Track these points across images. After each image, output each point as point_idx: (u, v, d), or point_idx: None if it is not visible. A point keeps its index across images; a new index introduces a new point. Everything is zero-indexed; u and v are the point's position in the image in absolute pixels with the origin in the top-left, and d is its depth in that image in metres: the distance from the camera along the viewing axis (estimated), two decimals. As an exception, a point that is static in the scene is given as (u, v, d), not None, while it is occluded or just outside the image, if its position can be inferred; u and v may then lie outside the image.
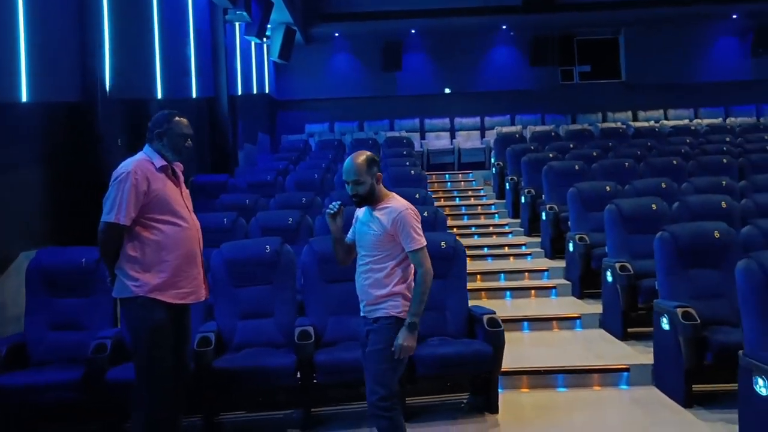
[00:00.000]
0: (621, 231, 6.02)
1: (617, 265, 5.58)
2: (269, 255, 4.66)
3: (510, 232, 9.12)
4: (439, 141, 14.82)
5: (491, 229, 9.36)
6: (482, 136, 15.01)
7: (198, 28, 8.67)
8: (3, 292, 4.51)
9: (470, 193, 11.58)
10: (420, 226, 3.30)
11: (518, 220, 9.32)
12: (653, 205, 6.05)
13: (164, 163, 3.47)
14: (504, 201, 10.32)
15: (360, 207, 3.43)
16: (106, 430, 4.13)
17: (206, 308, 4.59)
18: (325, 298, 4.66)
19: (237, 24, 10.61)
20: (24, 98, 4.66)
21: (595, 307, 6.20)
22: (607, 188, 7.16)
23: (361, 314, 3.42)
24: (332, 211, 3.37)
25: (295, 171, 9.21)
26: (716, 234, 4.85)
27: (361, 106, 15.51)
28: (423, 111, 15.39)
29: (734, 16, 15.51)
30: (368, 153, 3.39)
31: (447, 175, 12.70)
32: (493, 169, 11.31)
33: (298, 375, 4.16)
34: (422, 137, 14.98)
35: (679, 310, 4.41)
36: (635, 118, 15.18)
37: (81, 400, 3.98)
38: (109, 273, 3.42)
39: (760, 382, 3.39)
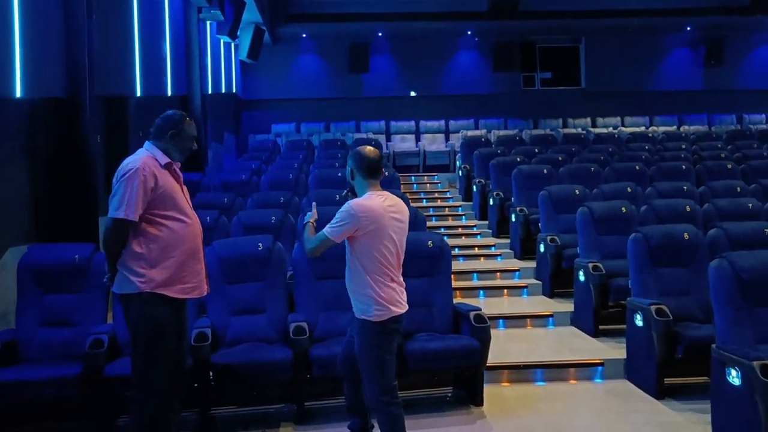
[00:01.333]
0: (592, 232, 6.29)
1: (590, 265, 5.84)
2: (262, 252, 4.75)
3: (479, 233, 9.35)
4: (404, 143, 15.03)
5: (460, 230, 9.58)
6: (447, 139, 15.28)
7: (173, 26, 8.64)
8: (-9, 288, 4.47)
9: (436, 194, 11.79)
10: (347, 222, 3.31)
11: (486, 222, 9.55)
12: (623, 208, 6.35)
13: (168, 160, 3.52)
14: (471, 203, 10.56)
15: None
16: (101, 426, 4.14)
17: (198, 305, 4.65)
18: (316, 294, 4.77)
19: (208, 23, 10.59)
20: (18, 94, 4.63)
21: (566, 306, 6.46)
22: (576, 192, 7.45)
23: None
24: (311, 219, 3.53)
25: (268, 171, 9.27)
26: (686, 235, 5.14)
27: (328, 107, 15.61)
28: (389, 113, 15.58)
29: (688, 28, 16.18)
30: (362, 147, 3.54)
31: (413, 177, 12.88)
32: (460, 171, 11.54)
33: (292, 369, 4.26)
34: (388, 139, 15.16)
35: (653, 307, 4.67)
36: (594, 125, 15.68)
37: (78, 396, 3.98)
38: (110, 269, 3.43)
39: (733, 372, 3.65)
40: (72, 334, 4.37)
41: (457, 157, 12.90)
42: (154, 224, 3.40)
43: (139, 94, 7.01)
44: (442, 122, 15.60)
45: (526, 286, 7.19)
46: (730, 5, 15.11)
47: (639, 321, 4.82)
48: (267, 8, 13.29)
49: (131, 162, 3.42)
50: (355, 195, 3.50)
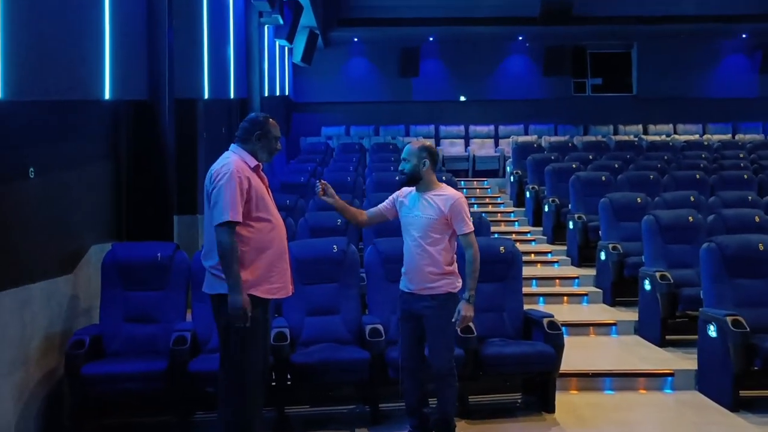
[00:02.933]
0: (658, 241, 6.23)
1: (657, 273, 5.79)
2: (336, 254, 4.83)
3: (533, 240, 9.31)
4: (453, 148, 15.04)
5: (514, 236, 9.51)
6: (496, 144, 15.25)
7: (236, 30, 8.83)
8: (76, 285, 4.63)
9: (487, 200, 11.77)
10: (469, 213, 3.84)
11: (540, 228, 9.51)
12: (690, 218, 6.28)
13: (257, 162, 3.61)
14: (523, 209, 10.51)
15: (405, 185, 3.89)
16: (182, 421, 4.26)
17: (274, 305, 4.74)
18: (389, 296, 4.82)
19: (266, 27, 10.78)
20: (107, 95, 4.81)
21: (629, 315, 6.41)
22: (638, 199, 7.38)
23: (407, 290, 3.85)
24: (318, 190, 3.84)
25: (324, 173, 9.38)
26: (761, 246, 5.07)
27: (377, 111, 15.72)
28: (438, 117, 15.63)
29: (744, 35, 15.86)
30: (426, 142, 3.95)
31: (462, 182, 12.87)
32: (512, 177, 11.50)
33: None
34: (437, 143, 15.19)
35: (729, 318, 4.62)
36: (645, 132, 15.47)
37: (162, 391, 4.11)
38: (230, 275, 3.33)
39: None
40: (155, 330, 4.51)
41: (507, 162, 12.87)
42: (246, 226, 3.46)
43: (206, 96, 7.18)
44: (492, 127, 15.57)
45: (586, 294, 7.14)
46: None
47: (713, 332, 4.77)
48: (321, 13, 13.46)
49: (224, 166, 3.49)
50: (411, 183, 3.83)
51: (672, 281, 5.71)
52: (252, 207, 3.48)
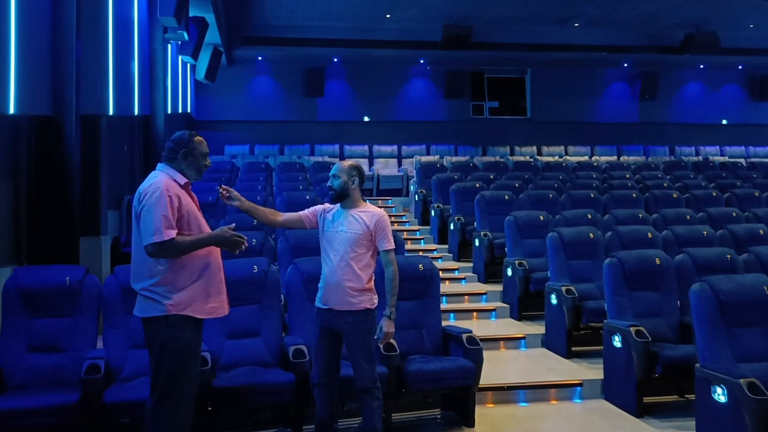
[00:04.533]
0: (562, 257, 6.55)
1: (563, 288, 6.09)
2: (258, 274, 4.75)
3: (439, 257, 9.51)
4: (358, 167, 15.13)
5: (420, 254, 9.72)
6: (399, 164, 15.52)
7: (140, 45, 8.55)
8: (-28, 312, 4.30)
9: (392, 218, 11.93)
10: (391, 231, 3.96)
11: (446, 246, 9.74)
12: (591, 234, 6.65)
13: (186, 180, 3.52)
14: (428, 227, 10.75)
15: (333, 202, 3.96)
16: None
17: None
18: (310, 317, 4.77)
19: (170, 43, 10.49)
20: (11, 110, 4.52)
21: (536, 328, 6.69)
22: (541, 217, 7.74)
23: (324, 307, 3.91)
24: (223, 195, 3.82)
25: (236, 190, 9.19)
26: (657, 261, 5.45)
27: (282, 130, 15.64)
28: (343, 137, 15.75)
29: (625, 64, 17.08)
30: (354, 162, 4.05)
31: (366, 201, 12.98)
32: (416, 196, 11.74)
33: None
34: (341, 163, 15.26)
35: (632, 329, 4.92)
36: (540, 153, 16.28)
37: (76, 424, 3.86)
38: (193, 244, 3.34)
39: (719, 390, 3.91)
40: (63, 360, 4.24)
41: (410, 181, 13.12)
42: None
43: (111, 112, 6.89)
44: (395, 147, 15.88)
45: (494, 309, 7.38)
46: (663, 44, 16.05)
47: (617, 342, 5.06)
48: (225, 30, 13.26)
49: (152, 185, 3.39)
50: (339, 200, 3.91)
51: (576, 295, 6.03)
52: (183, 225, 3.39)
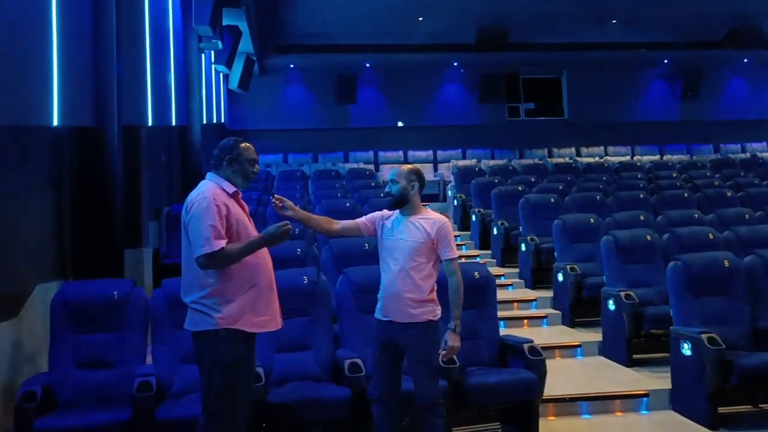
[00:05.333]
0: (617, 261, 6.27)
1: (622, 293, 5.80)
2: (307, 285, 4.58)
3: (484, 264, 9.26)
4: (393, 173, 14.97)
5: (463, 260, 9.48)
6: (435, 168, 15.30)
7: (176, 55, 8.50)
8: (20, 329, 4.19)
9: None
10: (454, 238, 3.73)
11: (488, 251, 9.49)
12: (648, 237, 6.36)
13: (235, 188, 3.39)
14: (468, 233, 10.50)
15: (391, 208, 3.72)
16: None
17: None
18: (362, 329, 4.60)
19: (203, 54, 10.47)
20: (55, 122, 4.43)
21: (590, 335, 6.41)
22: (591, 220, 7.46)
23: (385, 319, 3.69)
24: (276, 205, 3.59)
25: (270, 203, 9.09)
26: (726, 263, 5.15)
27: (315, 138, 15.55)
28: (376, 143, 15.61)
29: (665, 61, 16.65)
30: (414, 166, 3.84)
31: (428, 207, 12.81)
32: (455, 201, 11.52)
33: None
34: (376, 169, 15.11)
35: (704, 336, 4.63)
36: (578, 154, 15.92)
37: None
38: (245, 251, 3.21)
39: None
40: (112, 376, 4.12)
41: (448, 186, 12.89)
42: None
43: (150, 123, 6.82)
44: (430, 152, 15.67)
45: (545, 316, 7.11)
46: (705, 40, 15.61)
47: (687, 350, 4.77)
48: (257, 39, 13.23)
49: (200, 194, 3.29)
50: (398, 206, 3.68)
51: (636, 300, 5.74)
52: (233, 235, 3.25)
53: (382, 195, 3.87)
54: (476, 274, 4.85)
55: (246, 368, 3.27)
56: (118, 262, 5.16)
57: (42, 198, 4.64)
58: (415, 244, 3.64)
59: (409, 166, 3.88)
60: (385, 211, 3.83)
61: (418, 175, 3.76)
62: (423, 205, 3.83)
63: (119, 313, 4.26)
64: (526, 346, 4.47)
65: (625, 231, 6.55)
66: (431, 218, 3.72)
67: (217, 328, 3.18)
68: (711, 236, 6.37)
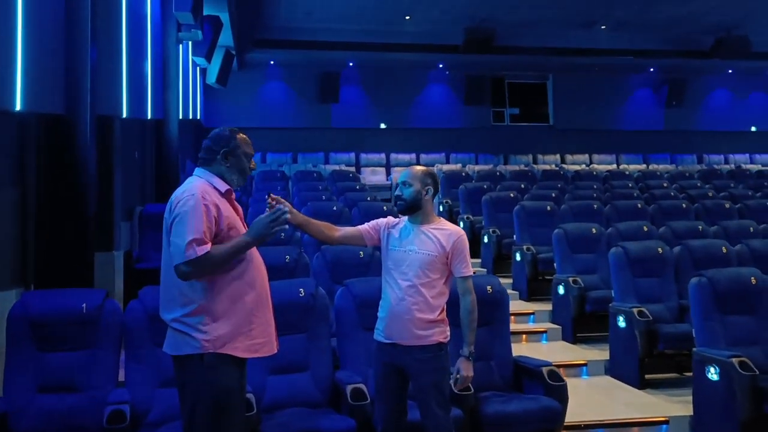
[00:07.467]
0: (628, 274, 5.90)
1: (635, 310, 5.43)
2: (304, 299, 4.09)
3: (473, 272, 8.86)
4: (375, 176, 14.60)
5: (451, 268, 9.08)
6: (418, 173, 14.91)
7: (153, 45, 7.93)
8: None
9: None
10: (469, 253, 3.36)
11: (478, 260, 9.09)
12: (659, 249, 6.00)
13: (228, 187, 2.90)
14: (456, 240, 10.09)
15: (402, 213, 3.32)
16: None
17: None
18: (364, 348, 4.12)
19: (181, 45, 9.89)
20: (17, 107, 3.87)
21: (596, 353, 6.03)
22: (593, 230, 7.09)
23: (388, 341, 3.26)
24: (272, 206, 2.88)
25: (250, 203, 8.57)
26: (753, 280, 4.80)
27: (295, 137, 15.03)
28: (358, 145, 15.17)
29: (651, 69, 16.50)
30: (428, 168, 3.41)
31: (442, 218, 12.41)
32: (440, 206, 11.12)
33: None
34: (358, 171, 14.68)
35: (735, 360, 4.26)
36: (563, 161, 15.68)
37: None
38: (230, 253, 2.71)
39: None
40: (80, 401, 3.58)
41: (431, 191, 12.49)
42: None
43: (124, 115, 6.26)
44: (413, 155, 15.28)
45: (545, 331, 6.71)
46: (691, 48, 15.49)
47: (714, 375, 4.39)
48: (237, 32, 12.67)
49: (186, 191, 2.79)
50: (409, 212, 3.29)
51: (651, 318, 5.37)
52: (223, 241, 2.74)
53: (391, 199, 3.42)
54: (489, 288, 4.42)
55: (236, 399, 2.77)
56: (88, 266, 4.59)
57: (1, 192, 4.07)
58: (428, 257, 3.21)
59: (424, 167, 3.45)
60: (391, 218, 3.41)
61: (434, 178, 3.35)
62: (438, 213, 3.38)
63: (89, 328, 3.71)
64: (545, 369, 4.07)
65: (635, 243, 6.19)
66: (447, 229, 3.31)
67: (202, 353, 2.69)
68: (724, 250, 6.05)
